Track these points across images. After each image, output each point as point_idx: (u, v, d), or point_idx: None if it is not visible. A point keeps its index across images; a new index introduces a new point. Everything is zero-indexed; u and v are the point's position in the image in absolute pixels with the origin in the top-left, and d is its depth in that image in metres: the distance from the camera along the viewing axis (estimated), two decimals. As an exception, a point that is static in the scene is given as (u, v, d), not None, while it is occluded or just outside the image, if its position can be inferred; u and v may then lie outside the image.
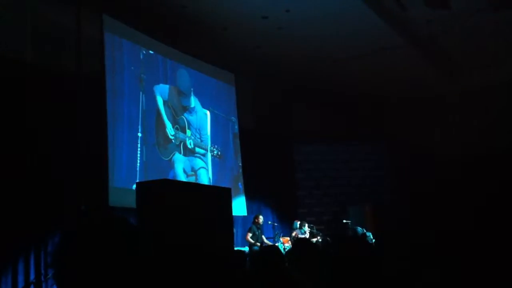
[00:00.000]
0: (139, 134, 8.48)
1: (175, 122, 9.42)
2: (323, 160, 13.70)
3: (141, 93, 8.75)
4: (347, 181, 13.68)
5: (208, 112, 10.44)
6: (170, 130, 9.24)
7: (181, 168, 9.26)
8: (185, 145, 9.55)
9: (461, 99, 12.64)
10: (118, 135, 8.09)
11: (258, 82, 12.21)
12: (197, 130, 10.01)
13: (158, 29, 9.24)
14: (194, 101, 10.11)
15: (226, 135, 10.95)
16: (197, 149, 9.88)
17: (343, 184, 13.64)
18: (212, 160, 10.27)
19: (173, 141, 9.26)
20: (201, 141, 10.06)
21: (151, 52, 9.22)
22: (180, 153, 9.37)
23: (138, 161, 8.40)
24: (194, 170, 9.60)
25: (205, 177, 9.96)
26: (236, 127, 11.22)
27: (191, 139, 9.76)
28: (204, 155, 10.05)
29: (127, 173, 8.13)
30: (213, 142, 10.40)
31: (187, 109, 9.86)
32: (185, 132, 9.63)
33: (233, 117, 11.18)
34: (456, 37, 10.29)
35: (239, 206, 10.47)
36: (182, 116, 9.66)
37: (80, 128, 7.33)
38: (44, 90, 7.04)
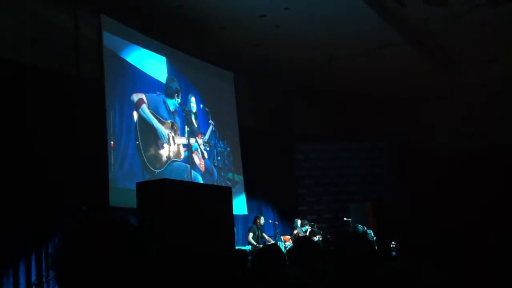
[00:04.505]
0: (138, 135, 8.44)
1: (172, 126, 9.36)
2: (322, 159, 13.69)
3: (140, 92, 8.72)
4: (347, 179, 13.67)
5: (211, 122, 10.45)
6: (167, 134, 9.16)
7: (178, 175, 9.13)
8: (183, 150, 9.48)
9: (460, 96, 12.61)
10: (118, 135, 8.07)
11: (257, 81, 12.19)
12: (196, 134, 9.96)
13: (155, 28, 9.21)
14: (193, 103, 10.07)
15: (224, 143, 10.92)
16: (195, 155, 9.82)
17: (342, 182, 13.62)
18: (210, 167, 10.23)
19: (171, 145, 9.18)
20: (199, 144, 10.00)
21: (150, 51, 9.19)
22: (178, 158, 9.29)
23: (138, 162, 8.39)
24: (192, 177, 9.49)
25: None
26: (237, 134, 11.22)
27: (190, 144, 9.70)
28: (201, 160, 10.00)
29: (127, 173, 8.10)
30: (212, 150, 10.38)
31: (187, 113, 9.80)
32: (184, 137, 9.57)
33: (230, 127, 11.15)
34: (455, 34, 10.28)
35: (239, 205, 10.46)
36: (180, 120, 9.60)
37: (80, 128, 7.32)
38: (43, 91, 7.03)
